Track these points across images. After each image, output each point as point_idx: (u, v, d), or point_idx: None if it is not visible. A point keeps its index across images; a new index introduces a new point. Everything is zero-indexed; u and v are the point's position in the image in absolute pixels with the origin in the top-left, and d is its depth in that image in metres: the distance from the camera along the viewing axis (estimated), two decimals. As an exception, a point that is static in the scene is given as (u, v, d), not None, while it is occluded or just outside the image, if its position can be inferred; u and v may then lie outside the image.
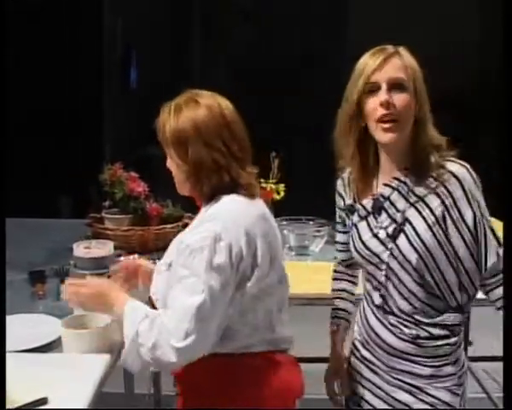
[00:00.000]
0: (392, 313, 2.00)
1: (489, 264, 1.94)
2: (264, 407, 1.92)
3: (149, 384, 3.06)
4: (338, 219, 2.23)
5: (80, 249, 2.37)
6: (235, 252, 1.80)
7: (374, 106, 1.89)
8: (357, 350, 2.16)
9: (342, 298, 2.28)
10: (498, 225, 3.57)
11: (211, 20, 5.81)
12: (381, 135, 1.90)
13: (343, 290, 2.30)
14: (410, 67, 1.91)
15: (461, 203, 1.90)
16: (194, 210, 3.28)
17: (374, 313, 2.06)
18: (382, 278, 1.98)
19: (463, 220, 1.91)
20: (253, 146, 2.03)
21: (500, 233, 3.31)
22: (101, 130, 5.81)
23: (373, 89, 1.90)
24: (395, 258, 1.94)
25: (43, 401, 1.70)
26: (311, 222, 3.36)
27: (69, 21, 5.46)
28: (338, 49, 5.47)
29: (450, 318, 1.98)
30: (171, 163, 2.00)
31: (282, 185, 3.31)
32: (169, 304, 1.84)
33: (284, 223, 3.29)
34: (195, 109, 1.95)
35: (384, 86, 1.88)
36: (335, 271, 2.34)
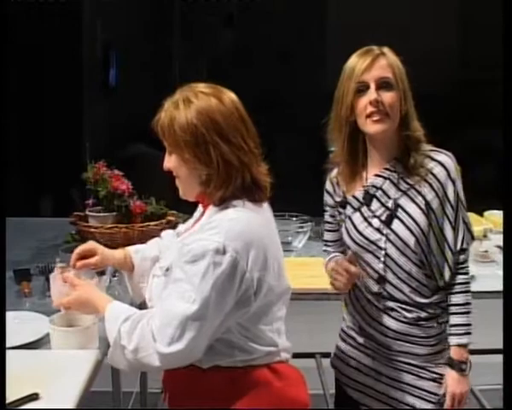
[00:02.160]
0: (391, 298, 2.11)
1: (458, 245, 2.11)
2: None
3: (136, 382, 3.08)
4: (327, 219, 2.31)
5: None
6: (239, 266, 1.69)
7: (364, 104, 2.03)
8: (352, 339, 2.27)
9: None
10: (478, 220, 3.64)
11: (191, 19, 5.81)
12: (371, 126, 2.03)
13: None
14: (396, 67, 2.06)
15: (445, 184, 2.07)
16: (178, 207, 3.32)
17: (370, 300, 2.16)
18: (380, 265, 2.10)
19: (447, 199, 2.07)
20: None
21: (478, 227, 3.39)
22: (80, 129, 5.80)
23: (362, 88, 2.03)
24: (393, 243, 2.07)
25: (35, 396, 1.72)
26: (294, 218, 3.39)
27: (48, 21, 5.44)
28: (318, 50, 5.50)
29: (440, 296, 2.14)
30: (180, 166, 1.80)
31: (266, 182, 3.33)
32: (160, 303, 1.77)
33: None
34: (208, 101, 1.77)
35: (373, 86, 2.03)
36: (327, 259, 2.36)
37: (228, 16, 5.81)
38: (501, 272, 2.83)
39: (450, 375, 2.14)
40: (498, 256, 3.11)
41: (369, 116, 2.02)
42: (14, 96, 5.36)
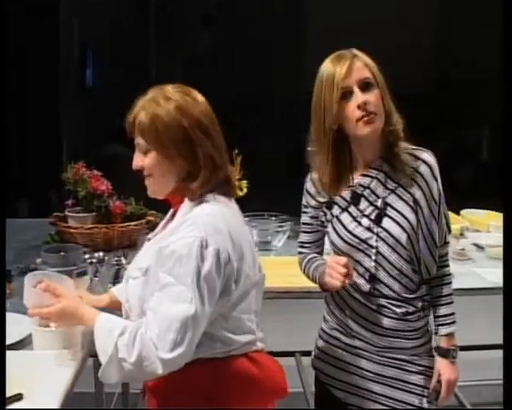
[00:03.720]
0: (382, 296, 2.13)
1: (442, 240, 2.17)
2: (250, 407, 1.87)
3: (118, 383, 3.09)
4: (307, 220, 2.29)
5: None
6: (222, 257, 1.72)
7: (351, 109, 2.02)
8: (336, 339, 2.26)
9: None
10: (455, 218, 3.68)
11: (168, 20, 5.81)
12: (363, 129, 2.03)
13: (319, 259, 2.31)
14: (370, 64, 2.07)
15: (430, 183, 2.10)
16: (157, 208, 3.32)
17: (359, 300, 2.16)
18: (372, 264, 2.10)
19: (432, 196, 2.11)
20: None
21: (455, 226, 3.44)
22: (58, 130, 5.78)
23: (346, 94, 2.02)
24: (384, 241, 2.08)
25: (19, 396, 1.72)
26: (273, 218, 3.41)
27: (25, 20, 5.42)
28: (297, 51, 5.52)
29: (424, 290, 2.17)
30: (157, 163, 1.80)
31: (245, 182, 3.35)
32: (150, 312, 1.73)
33: (247, 219, 3.33)
34: (185, 99, 1.80)
35: (356, 89, 2.02)
36: (305, 260, 2.34)
37: (206, 16, 5.83)
38: (477, 270, 2.89)
39: (443, 364, 2.18)
40: (475, 254, 3.15)
41: (359, 120, 2.02)
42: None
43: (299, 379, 3.37)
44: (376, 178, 2.11)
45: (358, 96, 2.01)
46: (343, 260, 2.04)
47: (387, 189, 2.10)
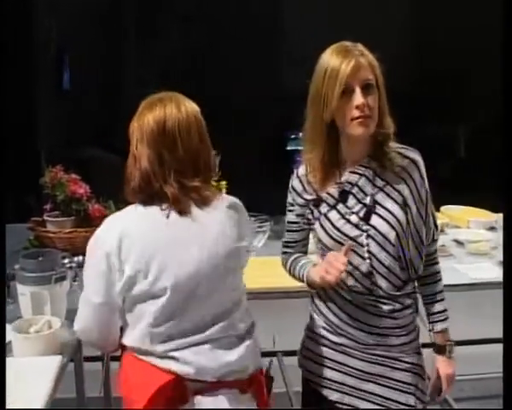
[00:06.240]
0: (369, 293, 2.12)
1: (430, 238, 2.19)
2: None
3: (100, 387, 3.06)
4: (293, 219, 2.26)
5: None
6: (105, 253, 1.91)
7: (349, 107, 2.00)
8: (325, 338, 2.24)
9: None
10: (444, 215, 3.69)
11: (146, 20, 5.80)
12: (357, 129, 2.02)
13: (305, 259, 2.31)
14: (375, 66, 2.05)
15: (418, 184, 2.12)
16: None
17: (345, 297, 2.15)
18: (363, 262, 2.09)
19: (420, 197, 2.13)
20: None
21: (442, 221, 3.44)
22: (35, 133, 5.74)
23: (346, 91, 2.00)
24: (373, 239, 2.08)
25: None
26: (253, 218, 3.39)
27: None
28: (277, 48, 5.52)
29: (411, 287, 2.18)
30: None
31: (224, 183, 3.34)
32: None
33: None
34: None
35: (358, 90, 2.00)
36: (290, 259, 2.33)
37: (183, 18, 5.81)
38: (458, 266, 2.90)
39: (440, 360, 2.24)
40: (455, 250, 3.16)
41: (354, 119, 2.00)
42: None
43: (282, 379, 3.37)
44: (364, 175, 2.10)
45: (359, 97, 1.99)
46: (343, 257, 2.01)
47: (376, 186, 2.10)
